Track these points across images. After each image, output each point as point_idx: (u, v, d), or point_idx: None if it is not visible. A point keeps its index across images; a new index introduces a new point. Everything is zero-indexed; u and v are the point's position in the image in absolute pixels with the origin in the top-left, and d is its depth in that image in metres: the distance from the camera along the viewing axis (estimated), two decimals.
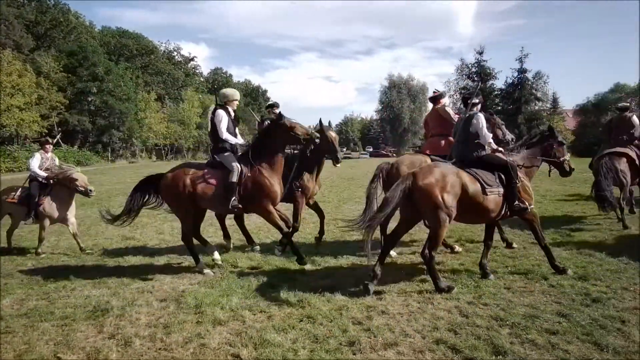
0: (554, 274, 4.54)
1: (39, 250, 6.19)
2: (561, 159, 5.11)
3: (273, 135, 5.02)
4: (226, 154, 5.03)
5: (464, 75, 50.81)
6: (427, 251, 4.18)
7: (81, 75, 35.87)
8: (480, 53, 49.52)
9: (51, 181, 6.23)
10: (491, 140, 4.77)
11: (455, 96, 52.49)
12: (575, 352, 2.96)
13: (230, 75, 75.37)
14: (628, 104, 8.25)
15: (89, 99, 36.68)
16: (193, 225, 5.32)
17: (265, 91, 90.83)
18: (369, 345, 3.14)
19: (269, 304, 3.96)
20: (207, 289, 4.37)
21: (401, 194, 4.16)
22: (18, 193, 6.27)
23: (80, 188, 6.23)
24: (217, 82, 70.68)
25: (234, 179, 4.83)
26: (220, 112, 5.07)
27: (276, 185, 5.00)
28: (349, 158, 53.91)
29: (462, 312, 3.67)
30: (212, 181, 4.97)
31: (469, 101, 4.92)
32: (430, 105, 6.50)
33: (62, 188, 6.25)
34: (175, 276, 4.85)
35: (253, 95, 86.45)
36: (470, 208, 4.32)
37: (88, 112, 37.07)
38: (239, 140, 5.25)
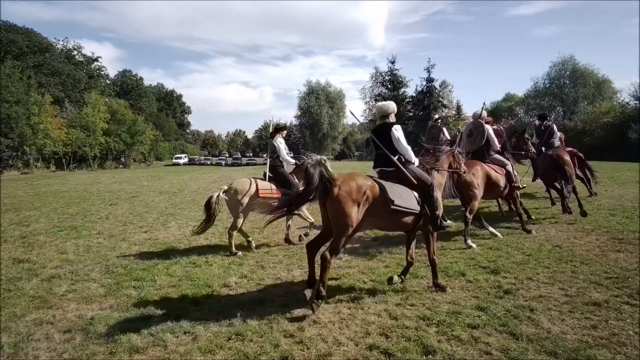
0: (470, 268, 4.87)
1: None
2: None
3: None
4: (496, 155, 6.87)
5: (379, 83, 53.51)
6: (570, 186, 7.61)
7: None
8: (393, 62, 52.60)
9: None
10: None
11: (370, 103, 55.04)
12: (495, 343, 3.16)
13: (141, 79, 70.65)
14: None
15: None
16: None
17: (180, 95, 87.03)
18: (302, 358, 3.04)
19: (193, 323, 3.67)
20: (120, 313, 3.93)
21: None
22: (272, 185, 6.18)
23: None
24: (126, 85, 65.92)
25: (512, 170, 6.84)
26: (489, 127, 6.86)
27: None
28: None
29: (392, 314, 3.74)
30: (500, 172, 6.60)
31: (547, 117, 9.08)
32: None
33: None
34: (81, 302, 4.28)
35: (167, 99, 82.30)
36: None
37: None
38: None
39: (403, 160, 4.29)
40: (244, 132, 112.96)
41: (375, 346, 3.15)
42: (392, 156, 4.22)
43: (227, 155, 74.97)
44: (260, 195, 6.06)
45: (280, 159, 6.50)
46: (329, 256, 3.76)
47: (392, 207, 3.93)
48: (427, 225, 4.25)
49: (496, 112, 49.37)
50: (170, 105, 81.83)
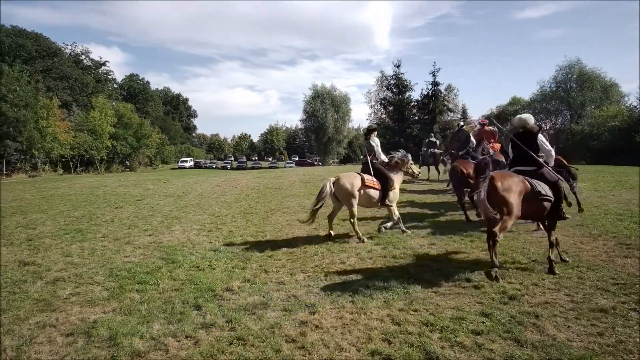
0: (474, 273, 4.83)
1: (386, 226, 7.21)
2: None
3: None
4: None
5: (384, 87, 53.53)
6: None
7: None
8: (398, 66, 52.64)
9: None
10: None
11: (376, 106, 55.02)
12: (499, 350, 3.11)
13: (148, 82, 71.27)
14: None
15: None
16: None
17: (186, 99, 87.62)
18: None
19: (195, 327, 3.67)
20: (123, 317, 3.93)
21: None
22: (373, 177, 6.91)
23: (416, 172, 7.51)
24: (133, 89, 66.51)
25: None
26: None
27: None
28: (275, 167, 53.74)
29: (395, 320, 3.71)
30: None
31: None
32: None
33: (398, 172, 7.31)
34: (84, 305, 4.30)
35: (173, 103, 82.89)
36: None
37: None
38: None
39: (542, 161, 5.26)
40: (250, 136, 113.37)
41: (377, 352, 3.13)
42: (536, 157, 5.24)
43: (233, 158, 75.32)
44: (366, 184, 6.81)
45: (377, 156, 7.35)
46: (498, 233, 4.59)
47: (540, 196, 4.88)
48: (554, 213, 5.13)
49: (502, 116, 49.21)
50: (176, 109, 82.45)
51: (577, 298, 4.09)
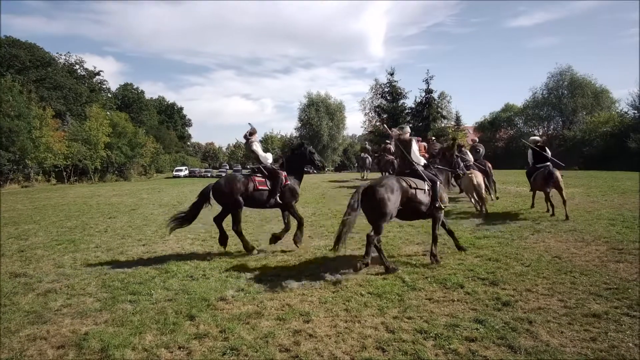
0: (468, 279, 4.84)
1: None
2: None
3: None
4: None
5: (378, 95, 53.84)
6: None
7: None
8: (392, 74, 52.98)
9: None
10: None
11: (370, 114, 55.27)
12: (493, 357, 3.12)
13: (142, 92, 71.06)
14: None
15: None
16: None
17: (181, 108, 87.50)
18: None
19: (188, 338, 3.64)
20: (115, 328, 3.89)
21: None
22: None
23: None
24: (127, 98, 66.37)
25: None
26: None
27: None
28: None
29: (389, 327, 3.70)
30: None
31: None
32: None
33: None
34: (76, 316, 4.25)
35: (168, 112, 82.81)
36: None
37: None
38: None
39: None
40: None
41: None
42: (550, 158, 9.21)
43: (228, 167, 75.00)
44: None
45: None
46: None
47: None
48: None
49: (495, 122, 49.64)
50: (171, 118, 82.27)
51: (570, 303, 4.11)
